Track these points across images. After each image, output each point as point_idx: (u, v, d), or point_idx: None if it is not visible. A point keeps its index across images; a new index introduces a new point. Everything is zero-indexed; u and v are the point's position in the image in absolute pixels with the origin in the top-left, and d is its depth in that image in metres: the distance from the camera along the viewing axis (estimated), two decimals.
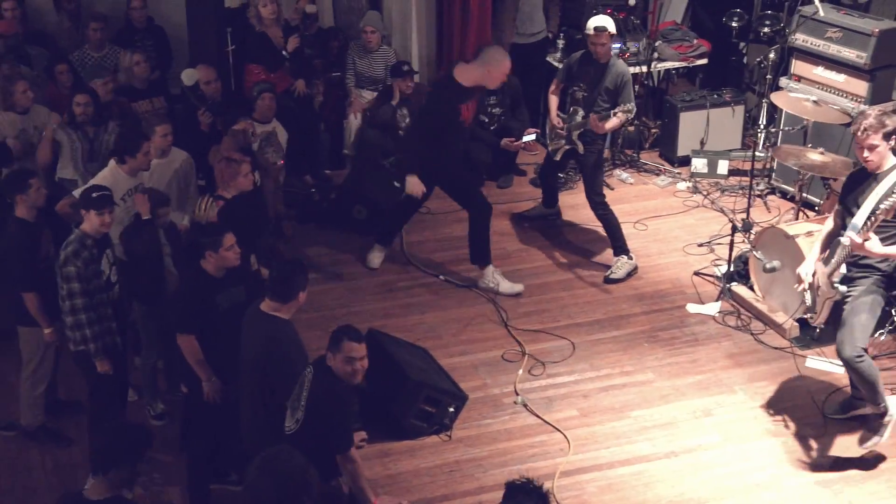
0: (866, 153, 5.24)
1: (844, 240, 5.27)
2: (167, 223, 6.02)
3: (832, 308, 5.54)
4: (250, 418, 4.99)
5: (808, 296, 5.60)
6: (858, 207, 5.28)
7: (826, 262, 5.49)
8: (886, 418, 5.50)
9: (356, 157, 8.75)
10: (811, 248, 6.40)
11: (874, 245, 5.12)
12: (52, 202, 6.09)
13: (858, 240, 5.08)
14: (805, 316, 5.71)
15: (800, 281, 5.61)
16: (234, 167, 6.27)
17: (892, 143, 5.26)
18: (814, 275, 5.54)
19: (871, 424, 5.55)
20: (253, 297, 5.04)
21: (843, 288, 5.42)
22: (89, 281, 5.35)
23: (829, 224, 5.65)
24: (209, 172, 7.05)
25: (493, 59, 6.91)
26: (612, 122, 7.12)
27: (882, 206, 5.05)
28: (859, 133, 5.23)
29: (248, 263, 5.83)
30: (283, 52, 8.31)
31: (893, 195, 5.06)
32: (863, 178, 5.37)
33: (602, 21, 7.18)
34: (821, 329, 6.51)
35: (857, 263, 5.42)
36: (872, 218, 5.12)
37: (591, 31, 7.17)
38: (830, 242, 5.57)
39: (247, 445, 4.94)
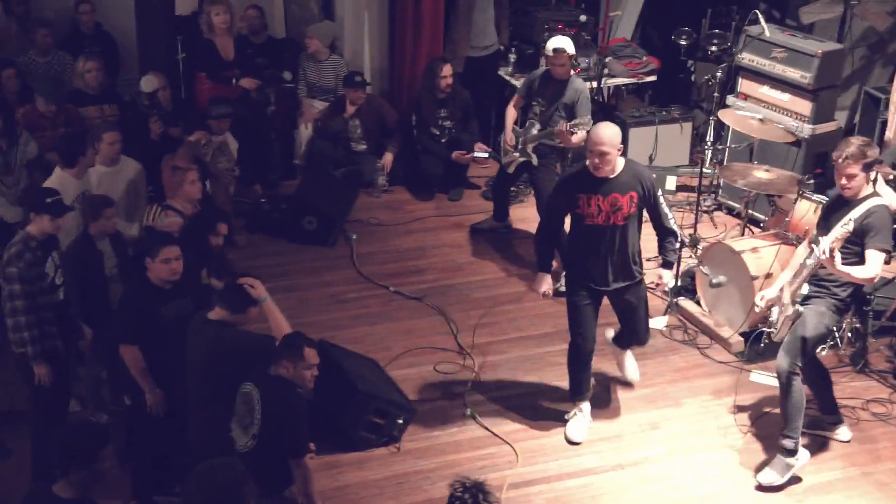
0: (844, 181, 5.32)
1: (812, 256, 5.31)
2: (113, 230, 5.93)
3: (790, 326, 5.59)
4: (198, 429, 4.96)
5: (774, 311, 5.67)
6: (829, 231, 5.35)
7: (792, 282, 5.56)
8: (791, 460, 5.55)
9: (307, 167, 8.75)
10: (754, 263, 6.55)
11: (837, 261, 5.15)
12: None
13: (828, 253, 5.12)
14: (769, 330, 5.77)
15: (762, 300, 5.66)
16: (179, 175, 6.26)
17: (871, 174, 5.36)
18: (781, 290, 5.60)
19: (777, 461, 5.59)
20: (200, 309, 5.01)
21: (798, 308, 5.48)
22: (32, 283, 5.28)
23: (802, 251, 5.70)
24: (159, 183, 7.01)
25: None
26: (578, 137, 7.17)
27: (842, 229, 5.13)
28: (840, 160, 5.29)
29: (199, 276, 5.79)
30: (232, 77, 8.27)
31: (851, 222, 5.16)
32: (839, 206, 5.44)
33: (560, 42, 7.28)
34: (765, 344, 6.65)
35: (818, 283, 5.49)
36: (846, 245, 5.19)
37: (550, 53, 7.27)
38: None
39: (194, 456, 4.90)
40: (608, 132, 5.42)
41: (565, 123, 7.14)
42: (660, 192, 5.64)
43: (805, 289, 5.50)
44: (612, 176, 5.50)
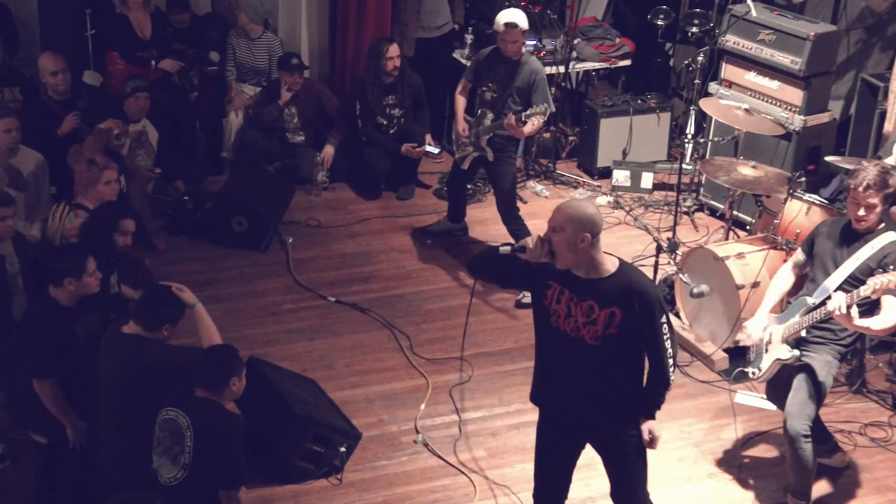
0: (863, 212, 5.26)
1: (830, 304, 5.08)
2: (12, 231, 5.86)
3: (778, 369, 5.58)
4: (112, 460, 4.92)
5: (753, 350, 5.70)
6: (836, 267, 5.33)
7: (783, 318, 5.54)
8: None
9: (236, 161, 8.70)
10: (740, 270, 6.63)
11: (854, 318, 4.98)
12: None
13: (844, 310, 4.95)
14: (747, 370, 5.78)
15: (749, 339, 5.61)
16: (94, 172, 6.19)
17: (888, 206, 5.34)
18: (763, 329, 5.58)
19: None
20: (108, 324, 4.99)
21: (796, 353, 5.48)
22: None
23: (787, 276, 5.71)
24: (63, 178, 6.93)
25: None
26: (531, 126, 7.20)
27: (873, 283, 4.95)
28: (860, 189, 5.23)
29: (107, 285, 5.73)
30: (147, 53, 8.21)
31: (889, 271, 4.99)
32: (847, 236, 5.38)
33: (513, 16, 7.27)
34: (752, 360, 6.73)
35: (820, 327, 5.45)
36: (855, 289, 5.05)
37: (501, 28, 7.27)
38: (788, 296, 5.68)
39: (108, 490, 4.87)
40: (565, 207, 4.44)
41: (513, 115, 7.15)
42: (664, 324, 4.47)
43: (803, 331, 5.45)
44: (591, 276, 4.45)
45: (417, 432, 6.20)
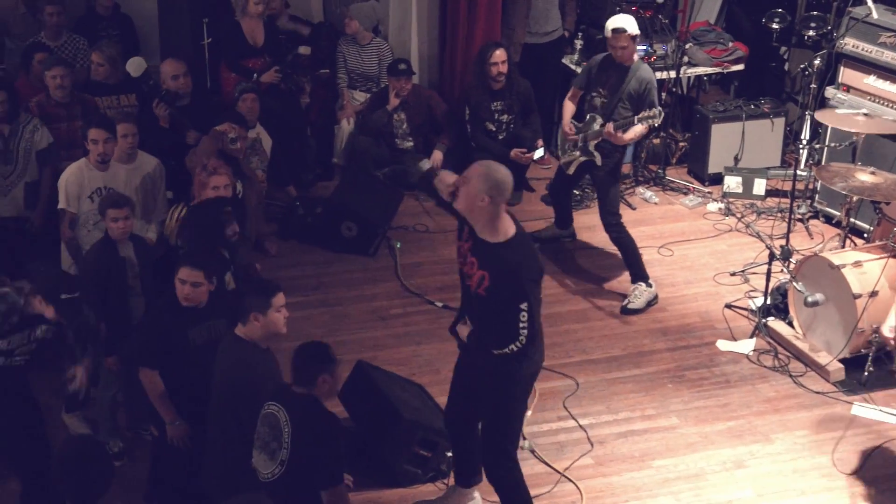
0: None
1: None
2: (127, 233, 5.97)
3: None
4: (216, 456, 4.99)
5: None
6: None
7: None
8: None
9: (346, 166, 8.79)
10: (857, 279, 6.45)
11: None
12: None
13: None
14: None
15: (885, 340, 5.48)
16: (204, 176, 6.29)
17: None
18: None
19: None
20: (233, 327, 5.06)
21: None
22: None
23: None
24: (177, 182, 7.07)
25: None
26: (633, 133, 7.13)
27: None
28: None
29: (223, 284, 5.81)
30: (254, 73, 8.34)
31: None
32: None
33: (620, 21, 7.21)
34: (869, 372, 6.55)
35: None
36: None
37: (609, 33, 7.22)
38: None
39: (208, 488, 4.96)
40: (480, 165, 4.85)
41: (612, 124, 7.11)
42: (522, 311, 4.76)
43: None
44: (482, 236, 4.83)
45: (524, 438, 6.15)
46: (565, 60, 9.31)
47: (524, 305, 4.75)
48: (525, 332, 4.79)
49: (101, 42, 7.89)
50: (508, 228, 4.85)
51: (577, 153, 7.58)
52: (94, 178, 6.40)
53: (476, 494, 5.64)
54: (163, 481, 5.51)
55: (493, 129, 8.66)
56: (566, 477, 5.90)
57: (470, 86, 8.67)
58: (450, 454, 5.84)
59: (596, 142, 7.40)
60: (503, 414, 5.15)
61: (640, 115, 7.10)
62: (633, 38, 7.23)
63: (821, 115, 7.58)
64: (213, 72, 8.58)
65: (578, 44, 9.24)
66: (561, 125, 7.77)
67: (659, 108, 7.18)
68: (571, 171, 7.73)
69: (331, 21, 9.34)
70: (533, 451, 6.07)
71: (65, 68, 7.20)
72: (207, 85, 8.53)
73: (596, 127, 7.38)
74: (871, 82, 7.99)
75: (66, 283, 5.65)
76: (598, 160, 7.44)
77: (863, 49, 7.97)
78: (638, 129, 7.20)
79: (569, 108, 7.69)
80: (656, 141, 9.09)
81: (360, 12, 8.84)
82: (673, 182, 9.09)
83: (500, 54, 8.39)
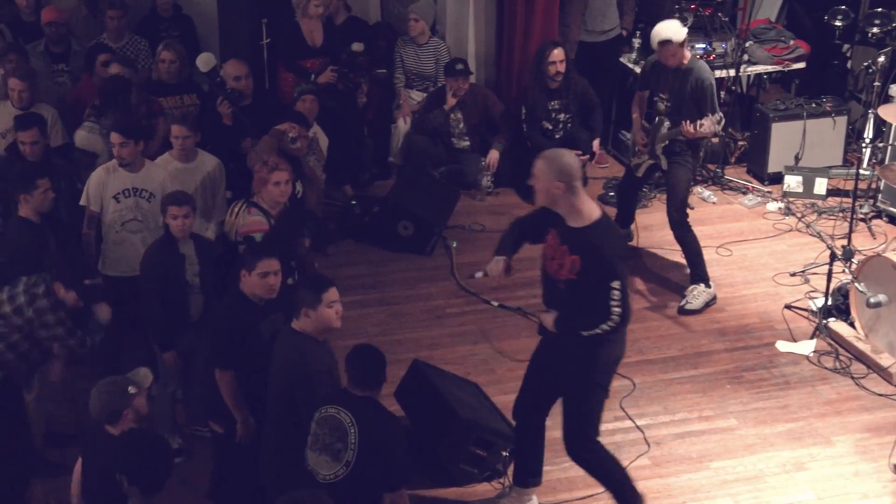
0: None
1: None
2: (187, 231, 6.04)
3: None
4: (271, 450, 5.04)
5: None
6: None
7: None
8: None
9: (403, 166, 8.82)
10: None
11: None
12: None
13: None
14: None
15: None
16: (264, 173, 6.34)
17: None
18: None
19: None
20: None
21: None
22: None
23: None
24: (237, 181, 7.14)
25: None
26: (709, 126, 7.08)
27: None
28: None
29: (287, 286, 5.87)
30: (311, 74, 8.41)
31: None
32: None
33: (665, 32, 7.13)
34: None
35: None
36: None
37: (656, 46, 7.21)
38: None
39: (265, 482, 4.99)
40: (542, 155, 5.03)
41: (688, 122, 7.05)
42: (614, 289, 4.89)
43: None
44: (569, 223, 4.99)
45: None
46: (623, 59, 9.26)
47: (616, 284, 4.87)
48: (618, 310, 4.90)
49: (169, 40, 7.99)
50: (592, 212, 4.98)
51: (646, 156, 7.54)
52: (120, 179, 6.43)
53: (534, 497, 5.63)
54: (227, 479, 5.55)
55: (550, 127, 8.65)
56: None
57: (527, 85, 8.66)
58: (506, 454, 5.85)
59: (663, 145, 7.36)
60: (586, 398, 5.23)
61: (700, 122, 7.03)
62: (681, 44, 7.18)
63: (884, 111, 7.47)
64: (272, 72, 8.65)
65: (637, 42, 9.18)
66: (633, 131, 7.72)
67: (720, 114, 7.12)
68: (640, 173, 7.69)
69: (389, 21, 9.36)
70: None
71: (126, 68, 7.34)
72: (266, 86, 8.59)
73: (663, 130, 7.34)
74: None
75: (89, 269, 5.82)
76: (664, 164, 7.39)
77: None
78: (713, 121, 7.14)
79: (637, 113, 7.64)
80: (715, 140, 9.00)
81: (424, 12, 8.85)
82: (732, 181, 9.01)
83: (557, 53, 8.37)
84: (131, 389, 4.66)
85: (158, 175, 6.53)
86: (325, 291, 4.94)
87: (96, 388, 4.68)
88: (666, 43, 7.10)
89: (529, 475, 5.58)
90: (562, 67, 8.38)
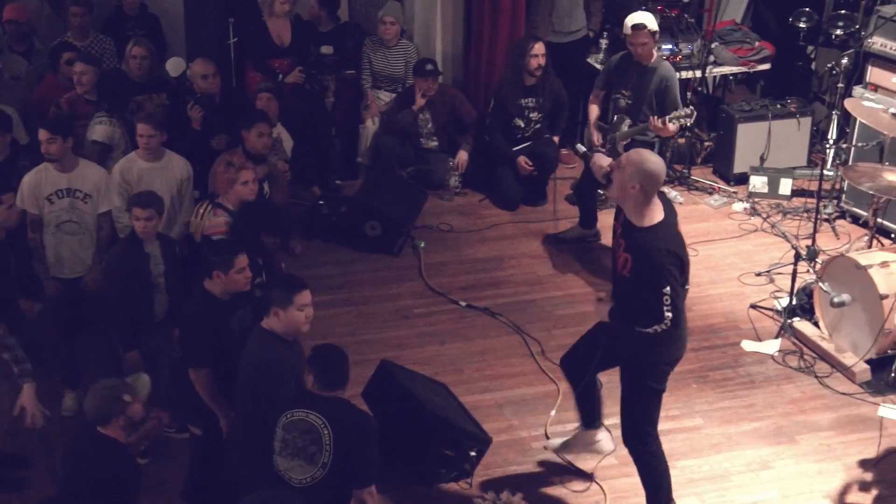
0: None
1: None
2: (154, 232, 6.02)
3: None
4: (239, 447, 5.02)
5: None
6: None
7: None
8: None
9: (371, 166, 8.81)
10: (884, 280, 6.41)
11: None
12: None
13: None
14: None
15: None
16: (231, 172, 6.33)
17: None
18: None
19: None
20: (259, 320, 5.09)
21: None
22: None
23: None
24: (204, 181, 7.11)
25: None
26: (675, 126, 7.10)
27: None
28: None
29: (254, 284, 5.87)
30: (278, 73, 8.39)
31: None
32: None
33: (639, 17, 7.19)
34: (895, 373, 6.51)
35: None
36: None
37: (629, 30, 7.21)
38: None
39: (233, 479, 4.98)
40: (637, 153, 5.03)
41: (657, 117, 7.06)
42: (663, 294, 4.90)
43: None
44: (631, 219, 5.02)
45: (547, 438, 6.17)
46: (590, 60, 9.29)
47: (667, 289, 4.87)
48: (669, 315, 4.90)
49: (137, 37, 7.93)
50: (656, 215, 5.01)
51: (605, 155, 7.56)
52: (53, 179, 6.32)
53: (601, 435, 5.76)
54: (206, 480, 5.52)
55: (522, 125, 8.62)
56: (590, 477, 5.90)
57: (503, 79, 8.56)
58: (473, 453, 5.85)
59: (625, 143, 7.39)
60: (641, 398, 5.28)
61: (672, 115, 7.07)
62: (653, 34, 7.21)
63: (849, 104, 7.52)
64: (239, 71, 8.61)
65: (604, 43, 9.22)
66: (587, 128, 7.73)
67: (691, 108, 7.15)
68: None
69: (355, 20, 9.34)
70: (557, 451, 6.06)
71: (90, 65, 7.29)
72: (234, 84, 8.55)
73: (624, 128, 7.37)
74: None
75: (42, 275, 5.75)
76: None
77: (891, 48, 7.91)
78: (678, 124, 7.17)
79: (594, 111, 7.67)
80: (681, 140, 9.06)
81: (397, 15, 8.83)
82: (698, 182, 9.06)
83: (539, 47, 8.31)
84: (126, 398, 4.65)
85: (94, 175, 6.44)
86: (298, 294, 4.94)
87: (93, 387, 4.71)
88: (639, 27, 7.13)
89: (591, 418, 5.72)
90: (543, 61, 8.31)
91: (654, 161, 4.99)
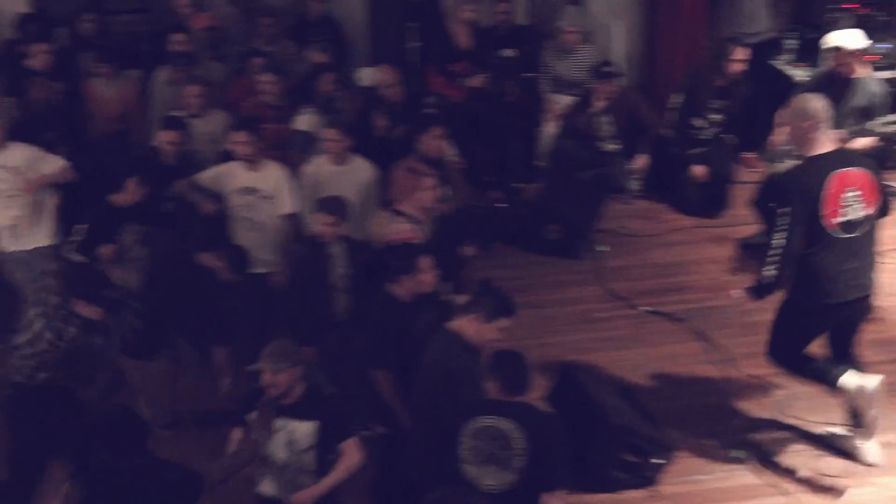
0: None
1: None
2: (336, 237, 6.12)
3: None
4: (419, 447, 5.05)
5: None
6: None
7: None
8: None
9: (551, 169, 8.78)
10: None
11: None
12: None
13: None
14: None
15: None
16: (414, 179, 6.40)
17: None
18: None
19: None
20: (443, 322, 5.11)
21: None
22: None
23: None
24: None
25: None
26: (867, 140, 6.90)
27: None
28: None
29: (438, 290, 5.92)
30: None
31: None
32: None
33: (837, 39, 7.00)
34: None
35: None
36: None
37: (827, 52, 7.04)
38: None
39: (412, 478, 5.02)
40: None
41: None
42: (781, 215, 5.65)
43: None
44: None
45: (737, 448, 5.98)
46: (777, 63, 9.02)
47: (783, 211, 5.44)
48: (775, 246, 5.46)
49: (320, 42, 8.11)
50: (822, 148, 5.43)
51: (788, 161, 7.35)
52: (240, 176, 6.63)
53: (865, 382, 5.74)
54: (391, 478, 5.57)
55: (704, 125, 8.41)
56: (782, 491, 5.70)
57: (694, 78, 8.38)
58: (656, 461, 5.74)
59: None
60: (781, 324, 5.83)
61: (872, 123, 6.83)
62: (851, 53, 6.96)
63: None
64: (421, 76, 8.70)
65: (792, 43, 8.94)
66: (771, 135, 7.54)
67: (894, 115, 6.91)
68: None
69: (536, 24, 9.34)
70: (747, 461, 5.88)
71: (275, 74, 7.57)
72: (416, 88, 8.65)
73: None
74: None
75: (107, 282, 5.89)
76: None
77: None
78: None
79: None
80: None
81: (576, 20, 8.79)
82: (890, 186, 8.66)
83: (741, 52, 8.14)
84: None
85: (277, 176, 6.66)
86: (507, 318, 5.03)
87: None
88: (833, 50, 6.96)
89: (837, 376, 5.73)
90: (742, 68, 8.15)
91: (806, 100, 5.45)
